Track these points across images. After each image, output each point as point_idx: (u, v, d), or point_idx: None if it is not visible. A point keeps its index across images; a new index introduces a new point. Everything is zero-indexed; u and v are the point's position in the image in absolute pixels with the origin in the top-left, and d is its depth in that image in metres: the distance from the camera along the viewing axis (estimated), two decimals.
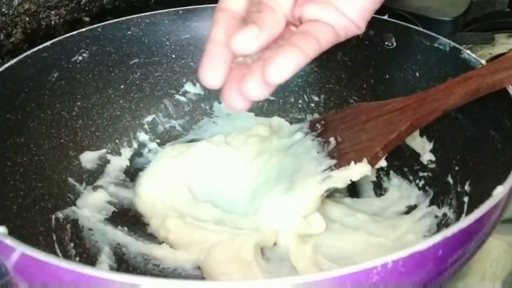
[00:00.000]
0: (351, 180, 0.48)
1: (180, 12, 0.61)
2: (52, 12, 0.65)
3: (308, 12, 0.39)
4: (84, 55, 0.56)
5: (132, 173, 0.58)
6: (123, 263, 0.48)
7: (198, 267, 0.48)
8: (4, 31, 0.61)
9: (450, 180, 0.49)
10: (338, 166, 0.49)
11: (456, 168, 0.49)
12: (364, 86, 0.59)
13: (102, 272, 0.30)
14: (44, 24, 0.64)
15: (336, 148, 0.50)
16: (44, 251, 0.31)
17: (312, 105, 0.63)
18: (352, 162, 0.48)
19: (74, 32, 0.56)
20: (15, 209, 0.45)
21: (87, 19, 0.68)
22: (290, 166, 0.52)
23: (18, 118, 0.50)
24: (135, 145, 0.61)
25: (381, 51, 0.57)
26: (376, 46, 0.57)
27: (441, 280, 0.35)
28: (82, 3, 0.67)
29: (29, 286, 0.34)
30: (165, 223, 0.50)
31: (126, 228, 0.52)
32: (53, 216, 0.49)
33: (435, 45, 0.53)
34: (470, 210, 0.37)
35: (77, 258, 0.48)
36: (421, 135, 0.54)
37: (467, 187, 0.47)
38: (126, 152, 0.59)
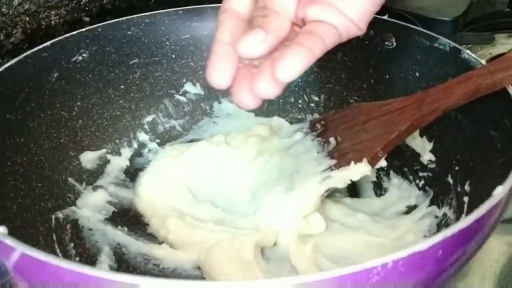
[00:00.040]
0: (351, 180, 0.48)
1: (180, 12, 0.61)
2: (52, 12, 0.65)
3: (312, 13, 0.40)
4: (84, 55, 0.56)
5: (132, 173, 0.58)
6: (123, 263, 0.48)
7: (198, 267, 0.48)
8: (4, 31, 0.61)
9: (450, 180, 0.49)
10: (338, 166, 0.49)
11: (456, 168, 0.49)
12: (364, 86, 0.59)
13: (102, 272, 0.30)
14: (44, 24, 0.64)
15: (336, 148, 0.50)
16: (44, 251, 0.31)
17: (312, 105, 0.63)
18: (352, 162, 0.48)
19: (74, 32, 0.56)
20: (15, 209, 0.45)
21: (87, 19, 0.68)
22: (290, 166, 0.52)
23: (18, 118, 0.50)
24: (135, 145, 0.61)
25: (381, 51, 0.57)
26: (376, 46, 0.57)
27: (441, 280, 0.35)
28: (82, 3, 0.67)
29: (29, 286, 0.34)
30: (165, 223, 0.50)
31: (126, 228, 0.52)
32: (53, 216, 0.49)
33: (435, 45, 0.53)
34: (470, 210, 0.37)
35: (77, 258, 0.48)
36: (421, 135, 0.54)
37: (467, 187, 0.47)
38: (126, 152, 0.59)
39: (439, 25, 0.70)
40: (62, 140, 0.54)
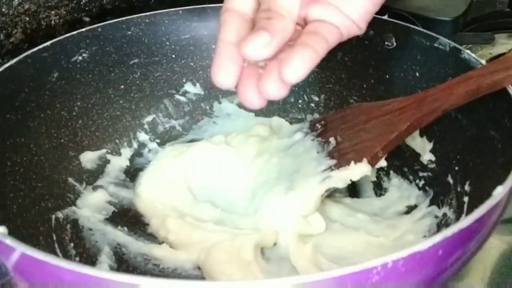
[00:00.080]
0: (351, 180, 0.48)
1: (180, 12, 0.61)
2: (52, 12, 0.65)
3: (313, 13, 0.40)
4: (84, 55, 0.56)
5: (132, 173, 0.58)
6: (123, 263, 0.48)
7: (198, 267, 0.48)
8: (4, 31, 0.61)
9: (450, 180, 0.49)
10: (338, 166, 0.49)
11: (456, 168, 0.49)
12: (364, 86, 0.59)
13: (102, 272, 0.30)
14: (44, 24, 0.64)
15: (336, 148, 0.50)
16: (44, 251, 0.31)
17: (312, 105, 0.63)
18: (352, 162, 0.48)
19: (74, 32, 0.56)
20: (15, 209, 0.45)
21: (87, 19, 0.68)
22: (290, 166, 0.52)
23: (18, 118, 0.50)
24: (135, 145, 0.61)
25: (381, 51, 0.57)
26: (376, 46, 0.57)
27: (441, 280, 0.35)
28: (82, 3, 0.67)
29: (29, 286, 0.34)
30: (165, 223, 0.50)
31: (126, 228, 0.52)
32: (53, 216, 0.49)
33: (435, 45, 0.53)
34: (470, 210, 0.37)
35: (77, 258, 0.47)
36: (421, 135, 0.54)
37: (467, 187, 0.47)
38: (126, 152, 0.59)
39: (439, 25, 0.70)
40: (62, 140, 0.54)
